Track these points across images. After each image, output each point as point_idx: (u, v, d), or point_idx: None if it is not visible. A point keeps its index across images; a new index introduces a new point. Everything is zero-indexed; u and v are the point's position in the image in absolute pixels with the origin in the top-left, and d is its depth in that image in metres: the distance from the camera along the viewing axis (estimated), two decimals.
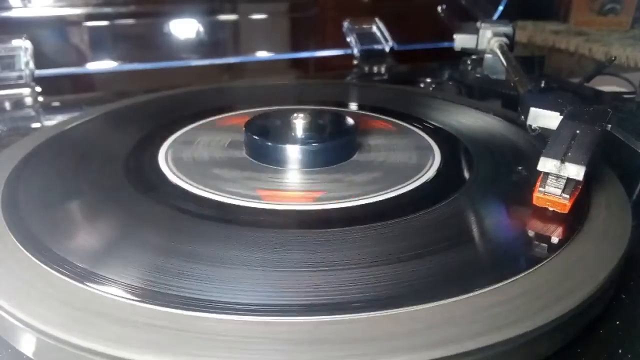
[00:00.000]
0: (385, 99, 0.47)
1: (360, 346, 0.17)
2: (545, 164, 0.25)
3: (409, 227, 0.25)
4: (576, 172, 0.24)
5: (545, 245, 0.23)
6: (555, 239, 0.24)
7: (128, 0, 0.60)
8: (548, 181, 0.25)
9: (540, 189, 0.25)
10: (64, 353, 0.18)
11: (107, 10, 0.60)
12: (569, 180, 0.25)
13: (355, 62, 0.66)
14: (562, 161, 0.25)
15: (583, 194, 0.27)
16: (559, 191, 0.25)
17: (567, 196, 0.25)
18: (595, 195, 0.27)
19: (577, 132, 0.26)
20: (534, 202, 0.26)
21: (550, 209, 0.25)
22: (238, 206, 0.26)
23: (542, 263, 0.22)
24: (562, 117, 0.28)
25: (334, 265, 0.21)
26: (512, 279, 0.20)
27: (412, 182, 0.29)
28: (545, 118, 0.30)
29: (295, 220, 0.26)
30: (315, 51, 0.70)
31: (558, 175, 0.25)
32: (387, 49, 0.67)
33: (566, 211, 0.25)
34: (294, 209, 0.27)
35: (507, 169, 0.32)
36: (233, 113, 0.41)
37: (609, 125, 0.27)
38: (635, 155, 0.28)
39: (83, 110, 0.43)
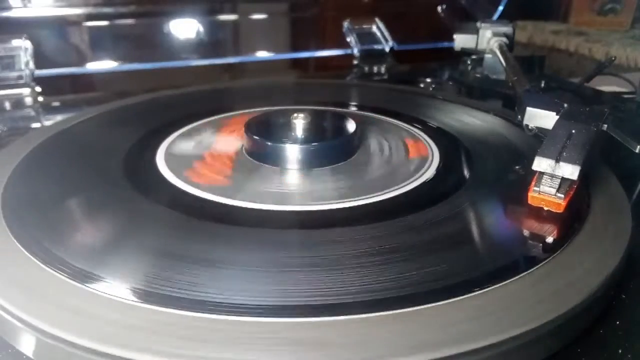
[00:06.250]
0: (385, 99, 0.47)
1: (358, 347, 0.17)
2: (540, 164, 0.25)
3: (408, 228, 0.25)
4: (571, 171, 0.25)
5: (546, 245, 0.23)
6: (555, 240, 0.24)
7: (128, 0, 0.60)
8: (543, 180, 0.25)
9: (535, 188, 0.25)
10: (64, 353, 0.18)
11: (107, 10, 0.60)
12: (563, 179, 0.25)
13: (355, 62, 0.66)
14: (557, 161, 0.25)
15: (583, 194, 0.27)
16: (553, 190, 0.25)
17: (562, 195, 0.25)
18: (595, 196, 0.27)
19: (573, 131, 0.26)
20: (529, 201, 0.26)
21: (545, 208, 0.25)
22: (237, 207, 0.26)
23: (543, 263, 0.22)
24: (558, 116, 0.28)
25: (333, 265, 0.21)
26: (512, 279, 0.20)
27: (411, 182, 0.29)
28: (541, 118, 0.30)
29: (295, 221, 0.26)
30: (315, 51, 0.70)
31: (553, 175, 0.25)
32: (387, 49, 0.67)
33: (561, 210, 0.25)
34: (293, 210, 0.27)
35: (507, 169, 0.32)
36: (233, 113, 0.41)
37: (605, 125, 0.27)
38: (634, 155, 0.28)
39: (83, 110, 0.43)
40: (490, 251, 0.24)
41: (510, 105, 0.39)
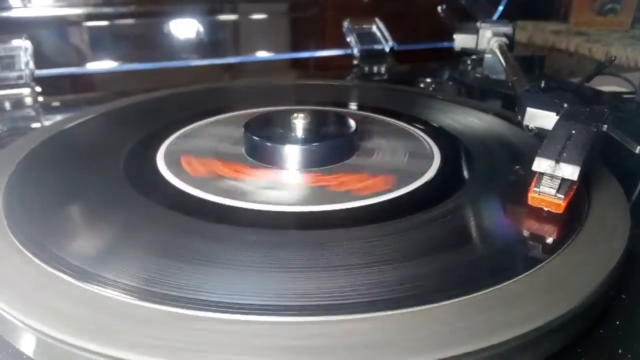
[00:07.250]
0: (386, 99, 0.47)
1: (357, 348, 0.17)
2: (540, 164, 0.25)
3: (408, 228, 0.25)
4: (571, 172, 0.25)
5: (546, 246, 0.23)
6: (555, 240, 0.24)
7: (128, 0, 0.60)
8: (543, 181, 0.25)
9: (535, 189, 0.25)
10: (64, 352, 0.18)
11: (107, 10, 0.60)
12: (563, 180, 0.25)
13: (355, 62, 0.66)
14: (557, 161, 0.25)
15: (582, 195, 0.27)
16: (553, 191, 0.25)
17: (562, 196, 0.25)
18: (595, 196, 0.27)
19: (573, 132, 0.26)
20: (529, 201, 0.26)
21: (545, 209, 0.25)
22: (237, 207, 0.26)
23: (542, 264, 0.22)
24: (558, 117, 0.28)
25: (333, 266, 0.21)
26: (512, 280, 0.20)
27: (412, 183, 0.29)
28: (541, 118, 0.30)
29: (294, 221, 0.26)
30: (315, 51, 0.70)
31: (553, 175, 0.25)
32: (387, 49, 0.67)
33: (561, 211, 0.25)
34: (293, 210, 0.27)
35: (507, 170, 0.32)
36: (233, 113, 0.41)
37: (605, 126, 0.27)
38: (634, 155, 0.28)
39: (83, 110, 0.43)
40: (490, 252, 0.24)
41: (510, 106, 0.39)
